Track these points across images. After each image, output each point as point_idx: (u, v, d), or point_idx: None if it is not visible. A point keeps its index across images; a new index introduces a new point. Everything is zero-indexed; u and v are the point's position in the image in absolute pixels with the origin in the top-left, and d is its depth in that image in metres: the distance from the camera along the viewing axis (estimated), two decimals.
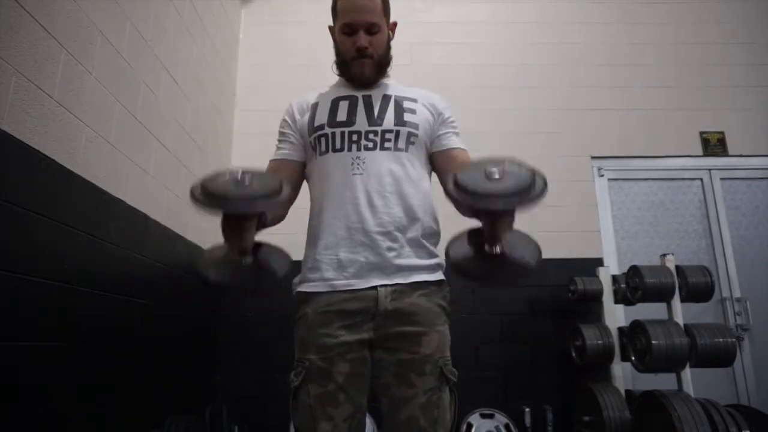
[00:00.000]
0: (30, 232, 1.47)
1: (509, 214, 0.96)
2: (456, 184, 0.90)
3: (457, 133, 1.37)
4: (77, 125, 1.72)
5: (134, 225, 2.13)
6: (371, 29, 1.29)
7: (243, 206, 0.97)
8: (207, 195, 0.94)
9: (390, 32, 1.37)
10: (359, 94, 1.34)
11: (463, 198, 0.91)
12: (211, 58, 3.07)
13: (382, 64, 1.34)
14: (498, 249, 0.98)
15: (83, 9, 1.74)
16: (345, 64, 1.34)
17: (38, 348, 1.51)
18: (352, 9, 1.28)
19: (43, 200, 1.53)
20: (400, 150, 1.28)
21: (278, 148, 1.39)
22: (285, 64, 3.63)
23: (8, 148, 1.39)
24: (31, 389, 1.48)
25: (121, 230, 2.00)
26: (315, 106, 1.34)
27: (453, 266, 1.04)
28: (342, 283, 1.20)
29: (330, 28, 1.40)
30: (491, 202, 0.91)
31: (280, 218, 1.30)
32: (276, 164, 1.37)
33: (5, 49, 1.37)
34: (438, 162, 1.35)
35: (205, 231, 2.97)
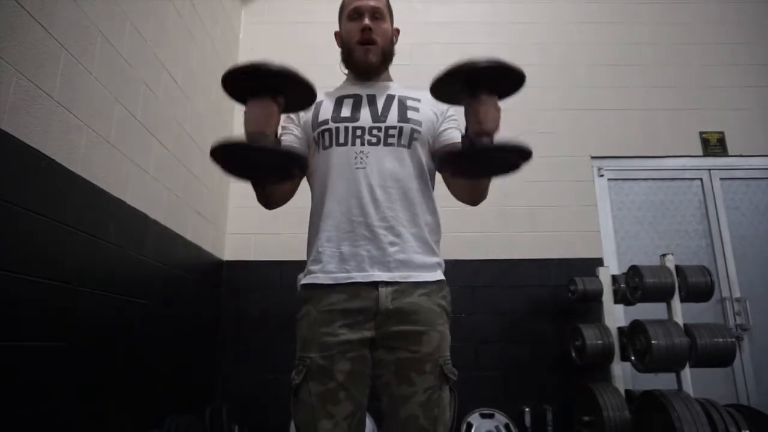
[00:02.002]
0: (30, 232, 1.47)
1: (492, 92, 1.11)
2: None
3: (459, 129, 1.38)
4: (77, 125, 1.72)
5: (134, 225, 2.13)
6: (376, 14, 1.34)
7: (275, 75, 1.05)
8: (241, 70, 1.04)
9: (393, 36, 1.42)
10: (363, 93, 1.36)
11: (449, 82, 1.07)
12: (211, 58, 3.07)
13: (386, 53, 1.38)
14: (486, 140, 1.06)
15: (83, 9, 1.74)
16: (350, 52, 1.37)
17: (38, 348, 1.51)
18: None
19: (43, 200, 1.53)
20: (403, 146, 1.29)
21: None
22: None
23: (8, 148, 1.39)
24: (31, 389, 1.48)
25: (121, 230, 2.00)
26: (319, 104, 1.35)
27: (441, 159, 1.11)
28: (343, 276, 1.21)
29: (336, 33, 1.44)
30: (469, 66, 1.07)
31: (285, 198, 1.33)
32: None
33: (5, 49, 1.37)
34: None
35: (205, 231, 2.98)
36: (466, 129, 1.10)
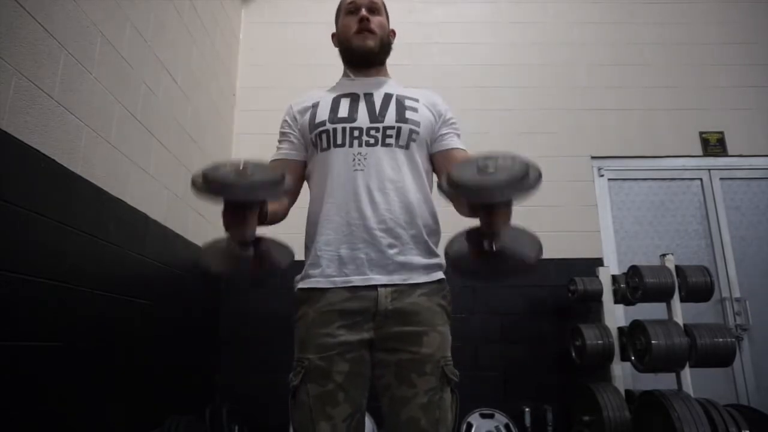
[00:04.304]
0: (30, 232, 1.47)
1: (504, 207, 0.96)
2: (449, 179, 0.91)
3: (458, 134, 1.39)
4: (77, 125, 1.72)
5: (134, 225, 2.13)
6: (372, 7, 1.36)
7: (244, 193, 0.95)
8: (208, 183, 0.92)
9: (390, 33, 1.42)
10: (360, 92, 1.35)
11: (456, 193, 0.93)
12: (211, 58, 3.07)
13: (384, 43, 1.38)
14: (496, 245, 0.97)
15: (83, 9, 1.74)
16: (347, 42, 1.37)
17: (38, 348, 1.51)
18: None
19: (43, 200, 1.53)
20: (401, 147, 1.28)
21: (278, 148, 1.40)
22: (285, 64, 3.63)
23: (8, 148, 1.39)
24: (31, 389, 1.48)
25: (121, 230, 2.00)
26: (316, 105, 1.35)
27: (452, 264, 1.05)
28: (342, 280, 1.19)
29: (333, 34, 1.44)
30: (483, 195, 0.92)
31: (281, 217, 1.31)
32: (276, 164, 1.38)
33: (5, 49, 1.37)
34: (438, 162, 1.36)
35: (205, 231, 2.97)
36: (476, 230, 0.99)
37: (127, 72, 2.06)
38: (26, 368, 1.46)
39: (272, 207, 1.23)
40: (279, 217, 1.31)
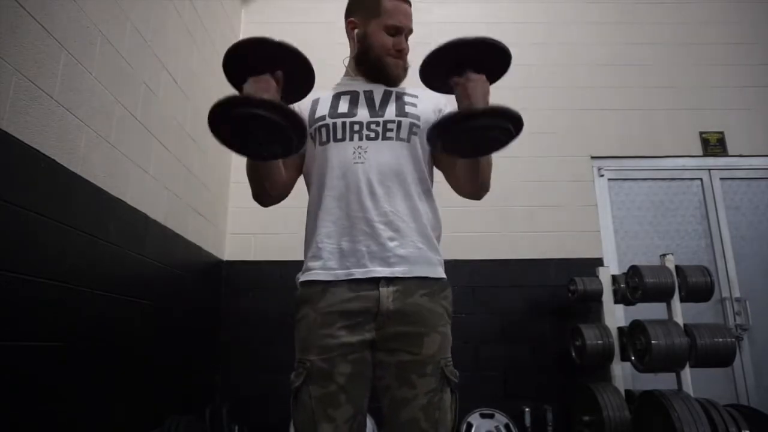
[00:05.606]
0: (30, 232, 1.47)
1: (479, 70, 1.13)
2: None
3: None
4: (77, 125, 1.72)
5: (134, 225, 2.13)
6: (408, 35, 1.37)
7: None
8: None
9: None
10: (361, 90, 1.35)
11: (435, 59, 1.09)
12: (211, 58, 3.07)
13: (406, 69, 1.41)
14: (473, 107, 1.08)
15: (83, 9, 1.74)
16: (377, 60, 1.35)
17: (38, 348, 1.51)
18: (403, 13, 1.34)
19: (43, 200, 1.53)
20: (402, 140, 1.28)
21: None
22: None
23: (8, 148, 1.39)
24: (31, 389, 1.48)
25: (121, 230, 2.00)
26: (316, 102, 1.35)
27: (431, 134, 1.11)
28: (343, 272, 1.19)
29: (351, 21, 1.39)
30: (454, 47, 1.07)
31: (281, 194, 1.33)
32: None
33: (5, 49, 1.37)
34: (438, 160, 1.37)
35: (205, 231, 2.97)
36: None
37: (127, 72, 2.06)
38: (26, 368, 1.46)
39: (275, 173, 1.27)
40: (280, 197, 1.33)
